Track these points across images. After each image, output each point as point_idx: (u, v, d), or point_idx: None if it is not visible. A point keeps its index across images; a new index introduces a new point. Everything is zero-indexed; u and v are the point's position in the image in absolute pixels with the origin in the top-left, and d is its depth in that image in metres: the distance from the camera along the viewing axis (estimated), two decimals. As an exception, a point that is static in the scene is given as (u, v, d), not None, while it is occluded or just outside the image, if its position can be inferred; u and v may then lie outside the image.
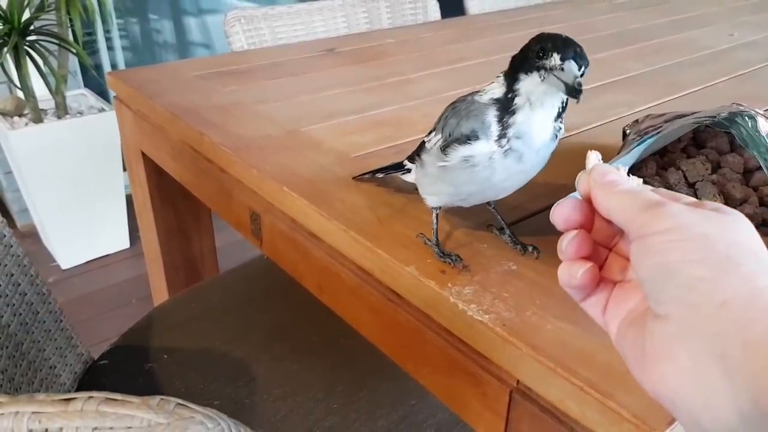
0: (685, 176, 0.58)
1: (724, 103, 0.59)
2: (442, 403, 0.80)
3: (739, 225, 0.29)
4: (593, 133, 0.83)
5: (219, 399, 0.80)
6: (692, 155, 0.61)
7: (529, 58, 0.47)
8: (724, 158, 0.59)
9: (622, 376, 0.43)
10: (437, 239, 0.57)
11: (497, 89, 0.51)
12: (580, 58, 0.45)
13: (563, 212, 0.34)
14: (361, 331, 0.65)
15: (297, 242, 0.69)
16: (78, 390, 0.84)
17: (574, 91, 0.44)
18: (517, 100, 0.49)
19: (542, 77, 0.46)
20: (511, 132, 0.49)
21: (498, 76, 0.52)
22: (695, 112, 0.59)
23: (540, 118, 0.49)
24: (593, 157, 0.35)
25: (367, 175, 0.68)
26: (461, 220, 0.62)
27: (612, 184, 0.32)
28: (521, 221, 0.62)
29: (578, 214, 0.34)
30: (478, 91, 0.53)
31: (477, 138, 0.50)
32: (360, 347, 0.87)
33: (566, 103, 0.49)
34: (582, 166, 0.35)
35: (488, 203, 0.58)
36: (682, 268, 0.27)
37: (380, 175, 0.67)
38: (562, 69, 0.45)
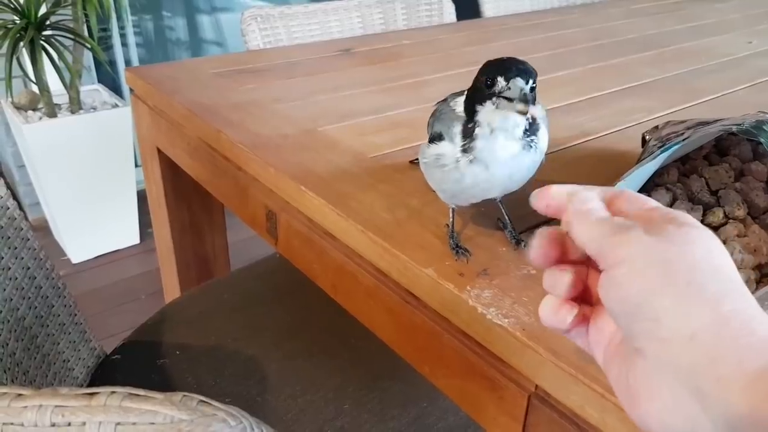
0: (707, 183, 0.57)
1: (744, 111, 0.59)
2: (453, 405, 0.80)
3: (698, 240, 0.28)
4: (611, 139, 0.83)
5: (230, 396, 0.80)
6: (714, 162, 0.60)
7: (479, 90, 0.49)
8: (748, 166, 0.59)
9: (643, 384, 0.43)
10: (452, 230, 0.58)
11: (460, 108, 0.52)
12: (525, 73, 0.47)
13: (540, 254, 0.33)
14: (376, 332, 0.64)
15: (313, 241, 0.68)
16: (91, 384, 0.84)
17: (523, 101, 0.45)
18: (477, 130, 0.50)
19: (495, 104, 0.48)
20: (473, 151, 0.51)
21: (465, 91, 0.53)
22: (717, 119, 0.59)
23: (502, 141, 0.50)
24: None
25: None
26: (482, 223, 0.61)
27: (587, 214, 0.31)
28: (543, 224, 0.62)
29: (556, 250, 0.33)
30: (457, 94, 0.55)
31: (443, 139, 0.53)
32: (371, 348, 0.86)
33: (533, 121, 0.51)
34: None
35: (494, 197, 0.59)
36: (646, 300, 0.27)
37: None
38: (509, 88, 0.47)
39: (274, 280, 1.02)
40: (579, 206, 0.32)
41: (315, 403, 0.79)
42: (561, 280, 0.33)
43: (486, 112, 0.49)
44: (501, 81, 0.47)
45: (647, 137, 0.67)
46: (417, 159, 0.71)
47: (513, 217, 0.59)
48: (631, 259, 0.28)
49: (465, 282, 0.53)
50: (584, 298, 0.34)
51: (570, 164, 0.74)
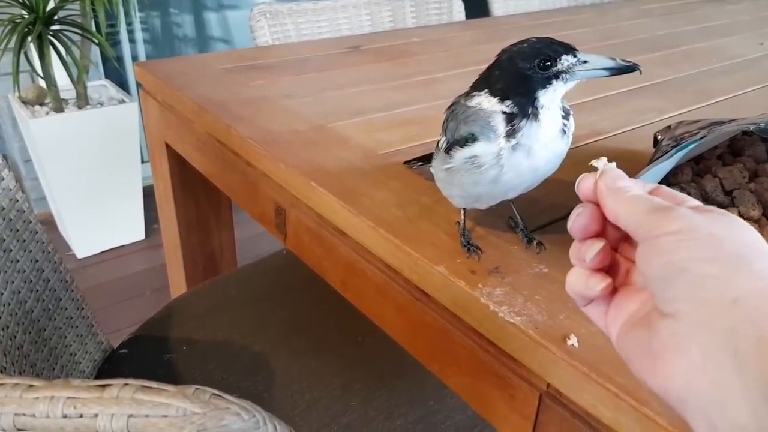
0: (721, 184, 0.57)
1: (756, 113, 0.58)
2: (460, 404, 0.80)
3: (745, 228, 0.29)
4: (622, 138, 0.82)
5: (237, 392, 0.79)
6: (728, 163, 0.60)
7: (531, 76, 0.48)
8: (762, 167, 0.58)
9: (658, 384, 0.42)
10: (464, 228, 0.57)
11: (489, 104, 0.51)
12: (573, 47, 0.48)
13: (582, 223, 0.34)
14: (385, 329, 0.64)
15: (323, 238, 0.68)
16: (97, 378, 0.84)
17: (628, 68, 0.46)
18: (542, 111, 0.49)
19: (565, 80, 0.48)
20: (521, 131, 0.49)
21: (476, 93, 0.52)
22: (732, 120, 0.58)
23: (555, 115, 0.50)
24: (602, 163, 0.35)
25: (414, 164, 0.69)
26: (493, 222, 0.61)
27: (622, 190, 0.32)
28: (554, 222, 0.62)
29: (596, 224, 0.34)
30: (466, 95, 0.53)
31: (476, 140, 0.51)
32: (378, 346, 0.86)
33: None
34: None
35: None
36: (691, 266, 0.28)
37: (422, 164, 0.68)
38: (585, 62, 0.47)
39: (282, 276, 1.02)
40: (610, 184, 0.32)
41: (322, 400, 0.78)
42: (592, 248, 0.33)
43: (551, 91, 0.49)
44: (567, 58, 0.47)
45: (659, 137, 0.67)
46: (412, 161, 0.70)
47: (524, 216, 0.59)
48: (680, 231, 0.28)
49: (477, 280, 0.52)
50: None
51: (581, 163, 0.73)
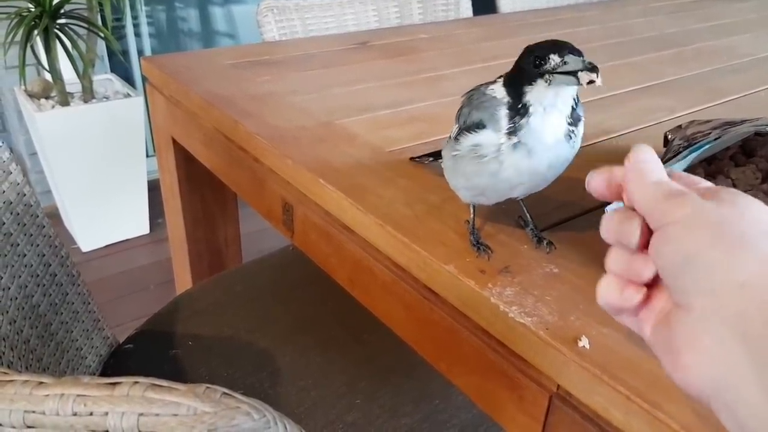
0: (734, 185, 0.56)
1: (766, 113, 0.58)
2: (466, 402, 0.79)
3: (753, 207, 0.29)
4: (632, 137, 0.82)
5: (243, 388, 0.79)
6: (741, 163, 0.59)
7: (527, 71, 0.48)
8: (775, 168, 0.58)
9: (669, 386, 0.42)
10: (473, 227, 0.57)
11: (500, 92, 0.51)
12: (576, 52, 0.47)
13: (598, 184, 0.34)
14: (392, 328, 0.64)
15: (330, 235, 0.68)
16: (103, 373, 0.84)
17: (588, 70, 0.45)
18: (531, 109, 0.49)
19: (548, 81, 0.48)
20: (522, 130, 0.49)
21: (498, 79, 0.52)
22: (745, 120, 0.58)
23: (552, 120, 0.49)
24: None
25: (424, 159, 0.69)
26: (503, 220, 0.61)
27: (644, 172, 0.32)
28: (565, 222, 0.61)
29: (611, 191, 0.34)
30: (488, 84, 0.54)
31: (484, 127, 0.51)
32: (383, 344, 0.86)
33: (577, 103, 0.50)
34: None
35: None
36: (697, 253, 0.27)
37: (432, 160, 0.67)
38: (565, 63, 0.47)
39: (288, 272, 1.02)
40: (638, 158, 0.32)
41: (327, 398, 0.78)
42: (631, 224, 0.32)
43: (537, 91, 0.48)
44: (554, 58, 0.47)
45: (670, 137, 0.66)
46: (419, 157, 0.70)
47: (534, 215, 0.58)
48: (686, 218, 0.28)
49: (486, 279, 0.52)
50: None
51: (590, 162, 0.73)
